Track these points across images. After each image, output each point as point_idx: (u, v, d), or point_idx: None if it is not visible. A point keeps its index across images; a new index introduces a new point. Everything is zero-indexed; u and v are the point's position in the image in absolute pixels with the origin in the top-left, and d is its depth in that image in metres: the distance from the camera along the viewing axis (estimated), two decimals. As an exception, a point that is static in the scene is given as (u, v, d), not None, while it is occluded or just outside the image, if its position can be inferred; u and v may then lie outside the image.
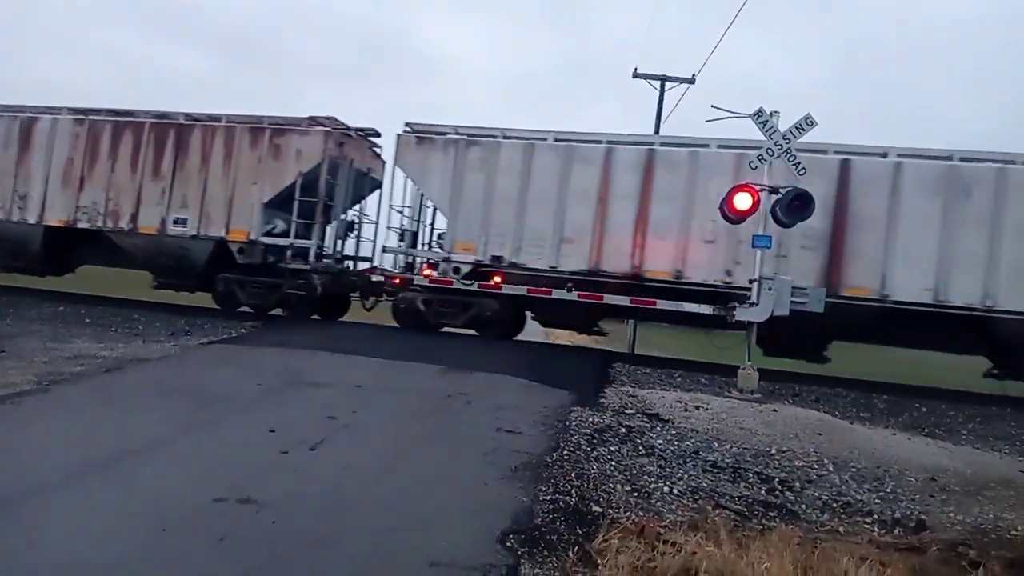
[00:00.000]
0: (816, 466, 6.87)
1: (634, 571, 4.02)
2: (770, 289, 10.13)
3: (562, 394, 8.78)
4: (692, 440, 7.31)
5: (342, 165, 14.37)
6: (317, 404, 7.35)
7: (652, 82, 23.32)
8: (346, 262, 15.55)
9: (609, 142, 12.93)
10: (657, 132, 22.19)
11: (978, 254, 11.32)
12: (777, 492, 6.05)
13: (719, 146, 12.44)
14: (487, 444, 6.35)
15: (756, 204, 10.05)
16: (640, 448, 6.82)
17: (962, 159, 11.72)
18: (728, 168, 11.99)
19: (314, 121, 14.11)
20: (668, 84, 23.19)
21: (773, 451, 7.20)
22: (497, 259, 13.11)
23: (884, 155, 11.96)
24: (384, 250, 14.72)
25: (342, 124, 14.42)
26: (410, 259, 14.19)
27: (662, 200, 12.48)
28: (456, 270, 13.31)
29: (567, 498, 5.14)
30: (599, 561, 4.15)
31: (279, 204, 14.05)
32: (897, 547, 4.93)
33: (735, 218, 10.36)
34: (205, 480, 5.00)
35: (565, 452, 6.28)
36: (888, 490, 6.39)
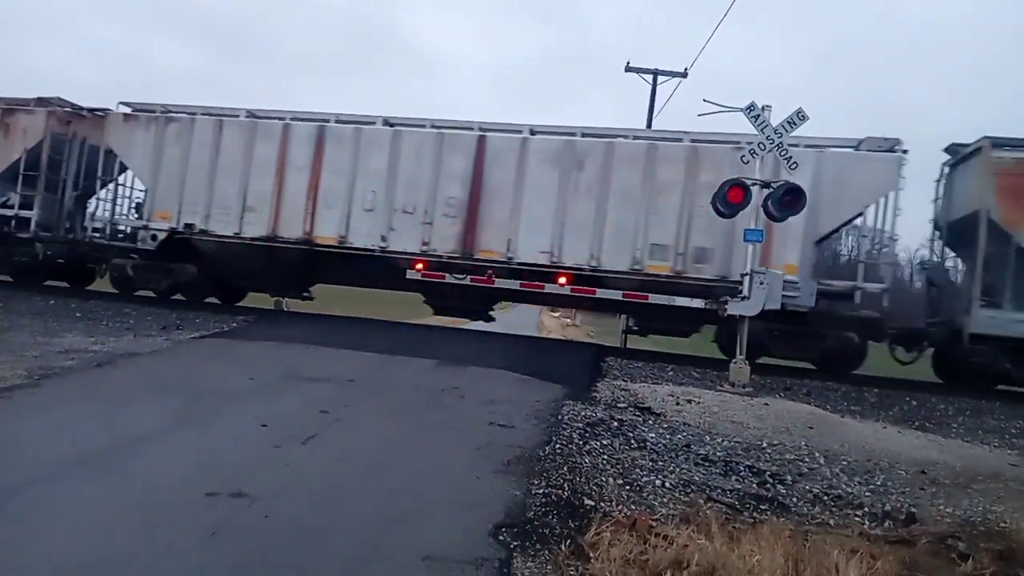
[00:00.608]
0: (807, 459, 6.91)
1: (626, 564, 4.03)
2: (762, 283, 10.15)
3: (555, 388, 8.79)
4: (684, 434, 7.34)
5: (70, 143, 15.32)
6: (310, 398, 7.35)
7: (644, 76, 23.33)
8: (89, 233, 15.69)
9: (292, 119, 14.07)
10: (649, 126, 22.20)
11: (587, 219, 12.55)
12: (768, 485, 6.08)
13: (383, 123, 13.71)
14: (480, 438, 6.36)
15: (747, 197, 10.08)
16: (632, 442, 6.84)
17: (583, 135, 13.00)
18: (386, 143, 13.34)
19: (42, 101, 15.26)
20: (660, 78, 23.20)
21: (764, 445, 7.23)
22: (190, 226, 14.05)
23: (518, 132, 13.17)
24: (93, 219, 15.73)
25: (70, 104, 15.62)
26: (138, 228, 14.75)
27: (331, 172, 13.53)
28: (154, 236, 14.28)
29: (559, 491, 5.14)
30: (591, 554, 4.16)
31: (11, 179, 15.07)
32: (887, 540, 4.97)
33: (728, 211, 10.36)
34: (197, 474, 4.99)
35: (557, 446, 6.29)
36: (878, 483, 6.42)
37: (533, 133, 13.15)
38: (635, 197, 12.42)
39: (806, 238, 11.90)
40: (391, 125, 13.65)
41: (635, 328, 14.41)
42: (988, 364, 11.43)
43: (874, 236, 12.37)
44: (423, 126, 13.57)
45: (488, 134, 13.10)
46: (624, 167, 12.51)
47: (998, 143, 11.55)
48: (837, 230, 12.76)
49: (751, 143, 10.26)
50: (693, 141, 12.58)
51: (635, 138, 13.03)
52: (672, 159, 12.39)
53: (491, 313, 14.48)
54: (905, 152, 11.84)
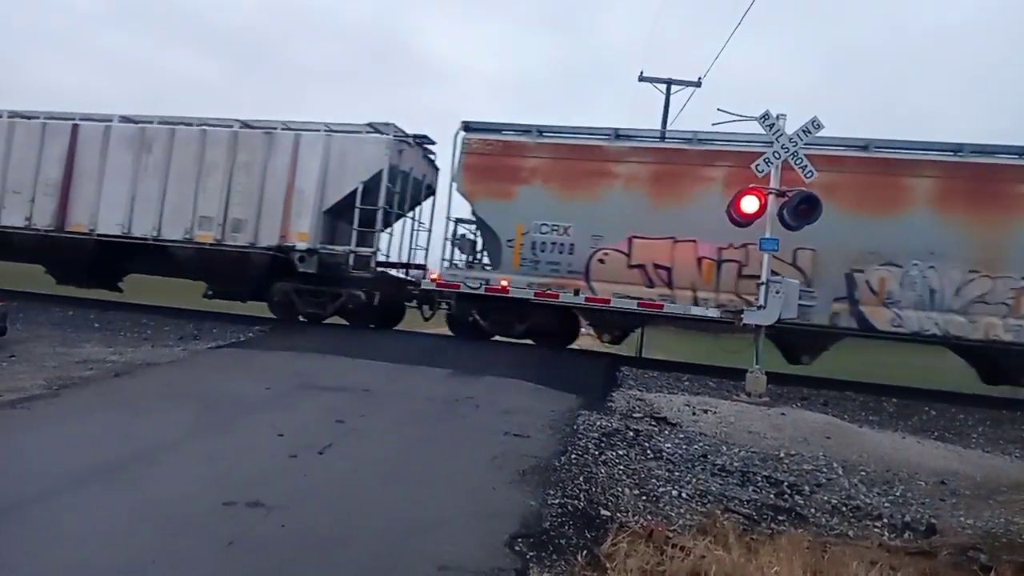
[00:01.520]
0: (825, 470, 6.85)
1: (643, 575, 4.01)
2: (777, 292, 10.10)
3: (570, 398, 8.77)
4: (700, 444, 7.30)
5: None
6: (325, 408, 7.37)
7: (658, 85, 23.31)
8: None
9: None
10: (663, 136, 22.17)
11: (153, 196, 14.11)
12: (786, 496, 6.03)
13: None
14: (495, 448, 6.35)
15: (763, 207, 10.05)
16: (648, 452, 6.81)
17: (159, 122, 14.53)
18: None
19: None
20: (674, 88, 23.17)
21: (782, 455, 7.18)
22: None
23: (108, 121, 14.74)
24: None
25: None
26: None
27: None
28: None
29: (575, 502, 5.13)
30: (608, 565, 4.14)
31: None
32: (907, 551, 4.91)
33: (743, 221, 10.33)
34: (214, 484, 5.02)
35: (573, 456, 6.27)
36: (898, 494, 6.36)
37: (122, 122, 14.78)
38: (189, 176, 14.05)
39: (316, 209, 13.67)
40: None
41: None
42: (457, 315, 13.76)
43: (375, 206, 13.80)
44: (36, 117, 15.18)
45: (81, 123, 14.70)
46: (182, 150, 14.17)
47: (470, 126, 13.53)
48: (341, 201, 13.86)
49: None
50: (242, 127, 14.18)
51: (196, 125, 14.41)
52: (218, 143, 14.07)
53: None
54: (408, 135, 14.22)
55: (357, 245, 13.89)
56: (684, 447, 7.11)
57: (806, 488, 6.26)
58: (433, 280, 13.54)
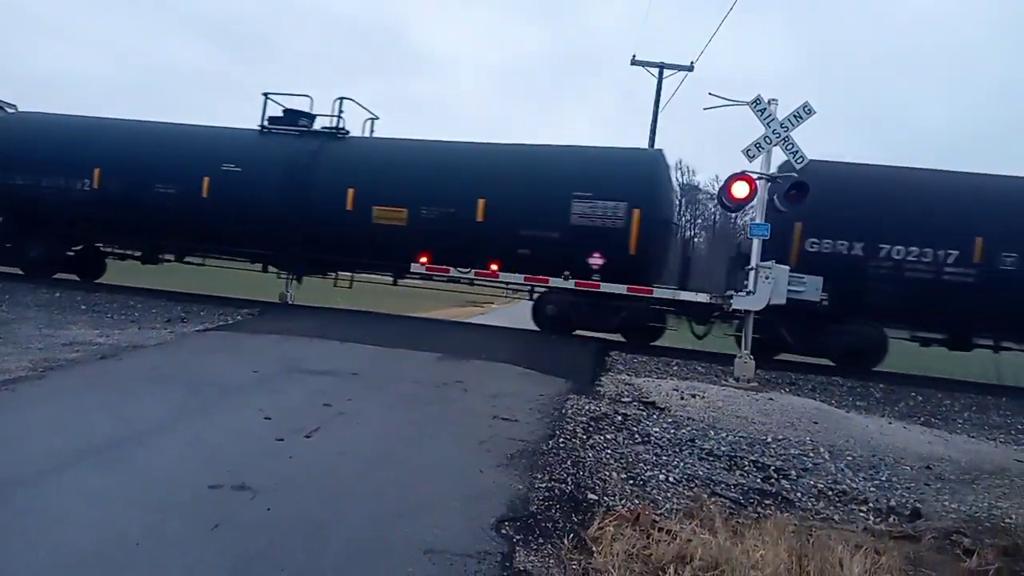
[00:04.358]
0: (812, 454, 6.88)
1: (629, 559, 4.02)
2: (767, 278, 10.12)
3: (559, 382, 8.78)
4: (688, 428, 7.32)
5: None
6: (313, 391, 7.34)
7: (651, 69, 23.24)
8: None
9: None
10: (655, 120, 22.16)
11: None
12: (773, 480, 6.06)
13: None
14: (483, 432, 6.35)
15: (753, 192, 10.04)
16: (636, 436, 6.83)
17: None
18: None
19: None
20: (666, 72, 23.11)
21: (769, 439, 7.21)
22: None
23: None
24: None
25: None
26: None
27: None
28: None
29: (563, 486, 5.13)
30: (594, 549, 4.15)
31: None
32: (892, 535, 4.95)
33: (733, 206, 10.34)
34: (200, 467, 5.00)
35: (561, 440, 6.28)
36: (883, 478, 6.41)
37: None
38: None
39: None
40: None
41: None
42: None
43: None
44: None
45: None
46: None
47: None
48: None
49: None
50: None
51: None
52: None
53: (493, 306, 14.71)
54: None
55: None
56: (672, 431, 7.13)
57: (793, 472, 6.29)
58: None
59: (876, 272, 11.90)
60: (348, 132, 14.83)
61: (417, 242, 13.35)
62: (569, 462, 5.70)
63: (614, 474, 5.65)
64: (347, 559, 3.82)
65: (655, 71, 23.21)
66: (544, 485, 5.10)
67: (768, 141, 10.08)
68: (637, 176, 13.00)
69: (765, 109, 10.09)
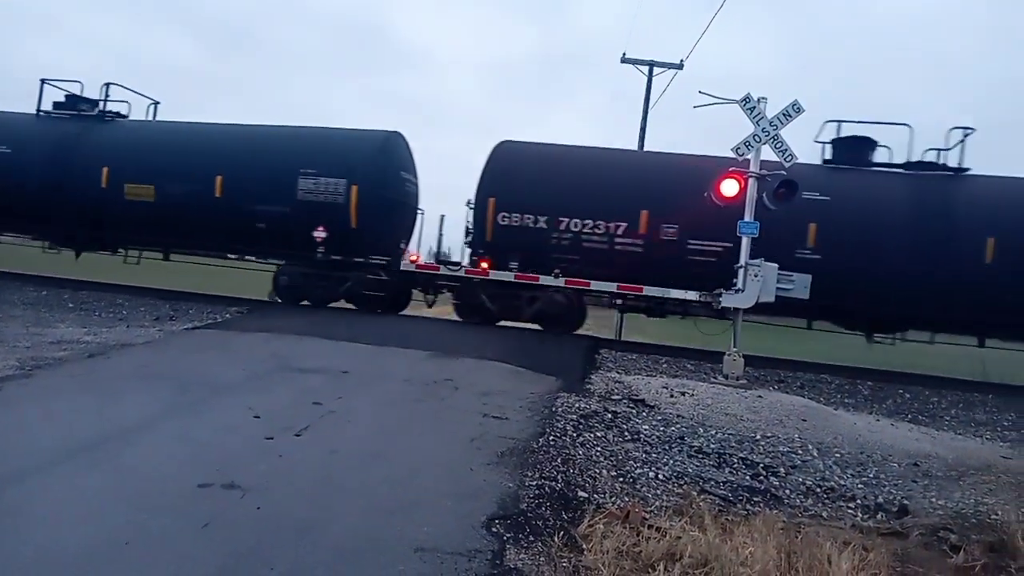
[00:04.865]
0: (800, 452, 6.92)
1: (619, 556, 4.03)
2: (756, 276, 10.16)
3: (549, 380, 8.78)
4: (678, 426, 7.34)
5: None
6: (303, 390, 7.32)
7: (640, 68, 23.24)
8: None
9: None
10: (645, 118, 22.17)
11: None
12: (762, 477, 6.09)
13: None
14: (473, 430, 6.35)
15: (743, 191, 10.08)
16: (626, 434, 6.84)
17: None
18: None
19: None
20: (656, 70, 23.10)
21: (758, 437, 7.24)
22: None
23: None
24: None
25: None
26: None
27: None
28: None
29: (553, 483, 5.14)
30: (584, 546, 4.17)
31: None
32: (879, 532, 4.99)
33: (723, 204, 10.36)
34: (189, 465, 4.98)
35: (551, 438, 6.29)
36: (871, 475, 6.45)
37: None
38: None
39: None
40: None
41: None
42: None
43: None
44: None
45: None
46: None
47: None
48: None
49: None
50: None
51: None
52: None
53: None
54: None
55: None
56: (661, 429, 7.15)
57: (781, 470, 6.32)
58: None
59: (559, 243, 12.98)
60: (121, 116, 15.71)
61: (166, 217, 14.26)
62: (559, 460, 5.71)
63: (604, 472, 5.66)
64: (338, 557, 3.81)
65: (645, 69, 23.21)
66: (534, 483, 5.11)
67: (757, 139, 10.11)
68: (358, 156, 13.84)
69: (755, 108, 10.12)
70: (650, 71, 23.12)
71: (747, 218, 10.22)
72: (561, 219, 12.95)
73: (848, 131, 13.03)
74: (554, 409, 7.32)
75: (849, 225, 11.93)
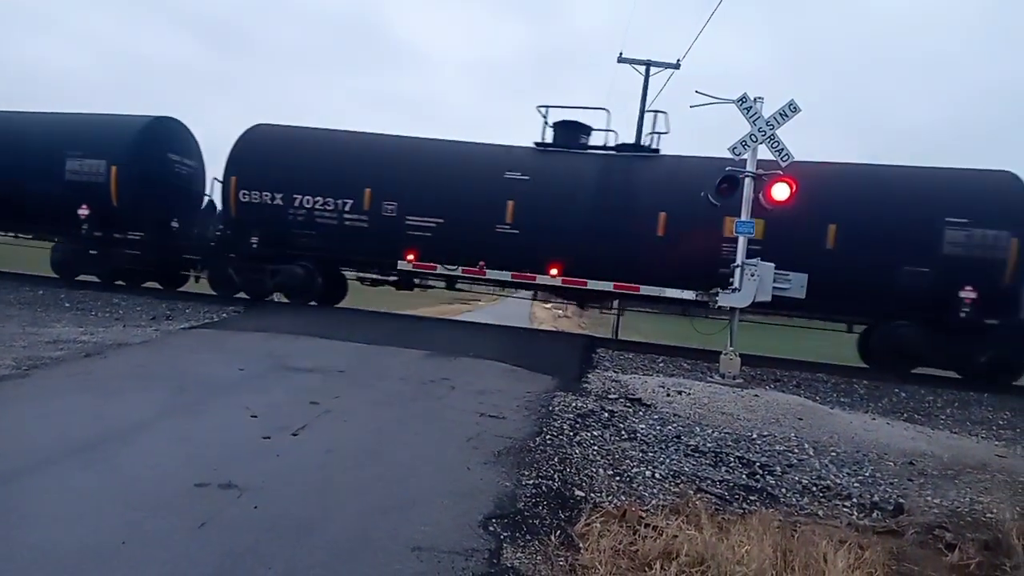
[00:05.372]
0: (797, 450, 6.94)
1: (616, 555, 4.04)
2: (752, 275, 10.17)
3: (545, 379, 8.80)
4: (674, 425, 7.35)
5: None
6: (299, 389, 7.32)
7: (637, 67, 23.25)
8: None
9: None
10: (641, 118, 22.18)
11: None
12: (758, 476, 6.10)
13: None
14: (470, 429, 6.36)
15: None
16: (622, 433, 6.85)
17: None
18: None
19: None
20: (652, 69, 23.11)
21: (754, 436, 7.26)
22: None
23: None
24: None
25: None
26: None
27: None
28: None
29: (550, 483, 5.15)
30: (581, 545, 4.17)
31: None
32: (875, 530, 5.00)
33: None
34: (186, 465, 4.97)
35: (548, 437, 6.29)
36: (867, 474, 6.46)
37: None
38: None
39: None
40: None
41: None
42: None
43: None
44: None
45: None
46: None
47: None
48: None
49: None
50: None
51: None
52: None
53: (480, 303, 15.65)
54: None
55: None
56: (658, 428, 7.16)
57: (777, 468, 6.33)
58: None
59: (295, 219, 14.04)
60: None
61: None
62: (556, 459, 5.72)
63: (601, 471, 5.67)
64: (335, 556, 3.82)
65: (642, 69, 23.21)
66: (531, 482, 5.11)
67: (754, 139, 10.12)
68: (118, 139, 14.81)
69: (751, 107, 10.13)
70: (647, 71, 23.13)
71: (743, 218, 10.25)
72: (295, 196, 14.03)
73: (557, 116, 14.46)
74: (551, 408, 7.33)
75: (543, 201, 13.22)
